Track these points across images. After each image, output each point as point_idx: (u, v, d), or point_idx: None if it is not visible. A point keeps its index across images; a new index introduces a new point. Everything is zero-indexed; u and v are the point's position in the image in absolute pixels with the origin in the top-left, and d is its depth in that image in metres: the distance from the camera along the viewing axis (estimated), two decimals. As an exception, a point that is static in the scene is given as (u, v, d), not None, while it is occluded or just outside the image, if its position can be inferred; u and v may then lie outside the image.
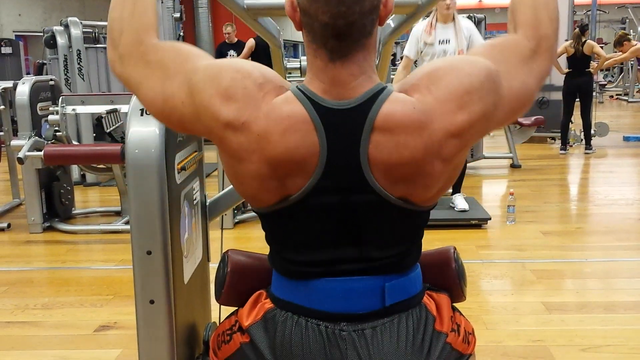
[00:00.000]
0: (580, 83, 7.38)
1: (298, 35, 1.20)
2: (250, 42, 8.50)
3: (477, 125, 1.09)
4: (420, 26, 4.66)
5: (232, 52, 8.64)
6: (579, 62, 7.38)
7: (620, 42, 8.05)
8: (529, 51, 1.16)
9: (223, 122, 1.08)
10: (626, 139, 8.59)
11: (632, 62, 11.87)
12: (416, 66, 4.65)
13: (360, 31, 1.08)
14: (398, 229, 1.17)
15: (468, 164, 6.00)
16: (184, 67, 1.13)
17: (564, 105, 7.64)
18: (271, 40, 1.84)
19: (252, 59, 7.90)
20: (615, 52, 8.50)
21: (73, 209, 5.20)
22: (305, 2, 1.07)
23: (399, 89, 1.11)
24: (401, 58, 4.95)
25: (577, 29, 7.40)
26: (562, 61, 7.64)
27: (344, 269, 1.16)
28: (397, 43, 12.09)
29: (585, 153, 7.61)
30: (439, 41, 4.51)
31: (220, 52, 8.96)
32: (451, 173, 1.14)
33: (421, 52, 4.63)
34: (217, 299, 1.44)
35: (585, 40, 7.38)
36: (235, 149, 1.09)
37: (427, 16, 4.61)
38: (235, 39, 8.99)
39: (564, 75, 7.56)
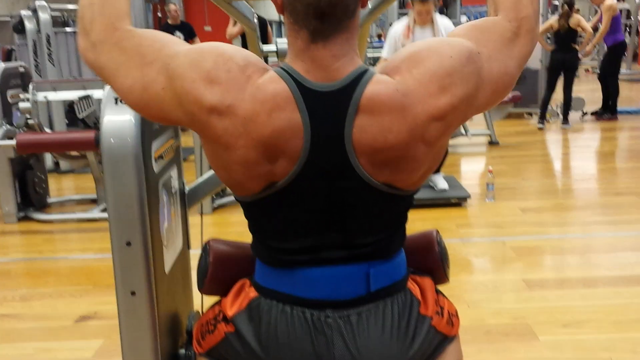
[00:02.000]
0: (565, 59, 7.40)
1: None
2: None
3: (460, 108, 1.08)
4: (398, 28, 4.61)
5: (178, 33, 7.78)
6: (564, 37, 7.38)
7: None
8: (510, 33, 1.15)
9: (207, 107, 1.05)
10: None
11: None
12: None
13: (343, 11, 1.06)
14: (382, 215, 1.16)
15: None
16: (163, 52, 1.10)
17: (548, 80, 7.65)
18: (246, 24, 1.81)
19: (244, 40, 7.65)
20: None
21: (48, 197, 5.12)
22: None
23: (381, 71, 1.10)
24: (379, 60, 4.88)
25: (565, 6, 7.37)
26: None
27: (328, 256, 1.15)
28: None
29: (563, 128, 7.66)
30: None
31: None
32: (435, 156, 1.13)
33: None
34: (200, 288, 1.42)
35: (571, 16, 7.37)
36: (220, 134, 1.06)
37: (405, 14, 4.56)
38: (180, 20, 8.51)
39: (549, 50, 7.59)
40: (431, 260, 1.40)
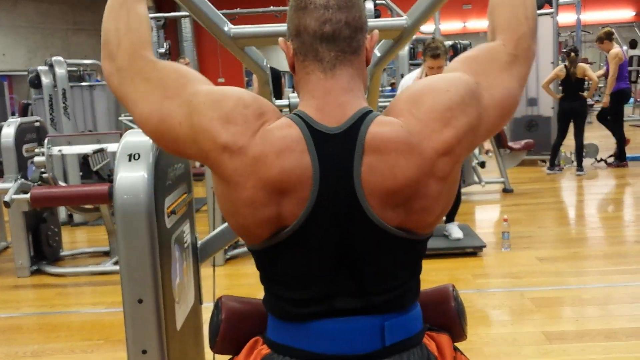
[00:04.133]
0: (573, 107, 7.42)
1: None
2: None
3: (465, 139, 1.11)
4: (409, 79, 4.66)
5: None
6: (573, 85, 7.42)
7: (601, 40, 8.05)
8: (507, 56, 1.20)
9: (221, 145, 1.08)
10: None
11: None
12: None
13: (346, 41, 1.13)
14: (396, 261, 1.14)
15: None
16: (186, 89, 1.15)
17: (559, 128, 7.65)
18: (256, 70, 1.82)
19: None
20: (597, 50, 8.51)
21: (61, 250, 5.12)
22: (296, 20, 1.14)
23: (383, 114, 1.14)
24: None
25: (572, 53, 7.41)
26: (554, 86, 7.72)
27: (342, 306, 1.13)
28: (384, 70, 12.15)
29: (577, 175, 7.62)
30: None
31: None
32: (448, 193, 1.13)
33: None
34: (212, 347, 1.39)
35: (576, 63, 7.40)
36: (230, 174, 1.08)
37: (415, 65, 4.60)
38: None
39: (557, 99, 7.62)
40: (448, 316, 1.37)
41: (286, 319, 1.17)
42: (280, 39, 1.19)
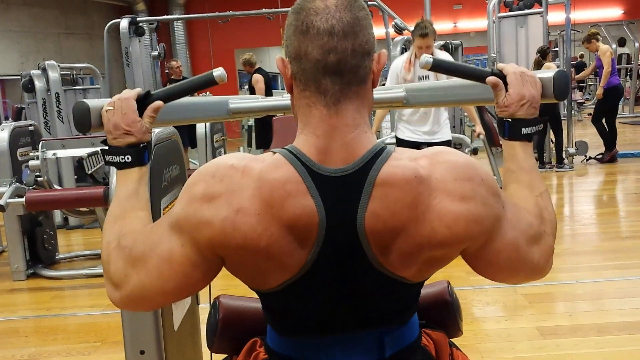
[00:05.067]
0: (546, 107, 7.42)
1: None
2: (256, 77, 8.00)
3: (471, 231, 1.03)
4: (399, 62, 4.67)
5: None
6: None
7: (588, 40, 8.12)
8: (535, 231, 1.14)
9: (218, 227, 1.00)
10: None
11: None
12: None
13: (352, 71, 1.03)
14: (397, 297, 1.12)
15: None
16: (161, 228, 1.08)
17: None
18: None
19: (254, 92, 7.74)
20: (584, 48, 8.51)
21: (57, 253, 5.12)
22: (296, 42, 1.04)
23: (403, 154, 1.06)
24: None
25: (538, 55, 7.40)
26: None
27: (341, 325, 1.12)
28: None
29: (556, 171, 7.70)
30: (418, 77, 4.53)
31: None
32: (446, 256, 1.08)
33: None
34: (210, 347, 1.39)
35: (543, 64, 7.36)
36: (241, 244, 1.01)
37: (407, 50, 4.62)
38: (182, 76, 8.65)
39: None
40: (444, 313, 1.38)
41: (285, 334, 1.16)
42: (278, 58, 1.09)
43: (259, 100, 1.58)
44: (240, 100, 1.57)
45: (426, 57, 1.30)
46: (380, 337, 1.12)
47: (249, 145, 8.35)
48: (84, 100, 1.36)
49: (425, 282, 1.40)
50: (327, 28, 1.01)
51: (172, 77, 8.58)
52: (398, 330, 1.15)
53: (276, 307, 1.13)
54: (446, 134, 4.63)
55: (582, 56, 15.30)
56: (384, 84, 4.90)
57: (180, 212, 1.05)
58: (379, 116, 4.72)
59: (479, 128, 5.15)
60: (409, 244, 1.02)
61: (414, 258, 1.04)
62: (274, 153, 1.05)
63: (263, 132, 7.52)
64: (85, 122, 1.33)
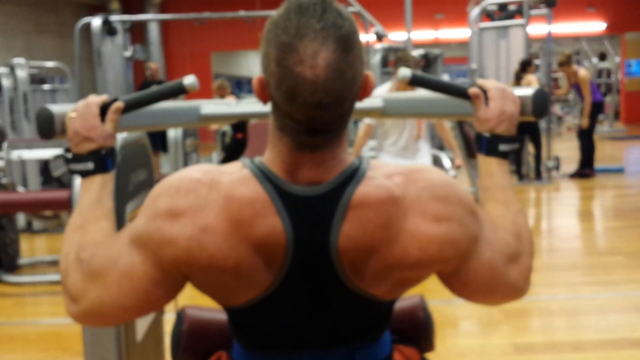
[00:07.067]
0: (525, 121, 7.44)
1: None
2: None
3: (446, 254, 1.01)
4: (379, 92, 4.62)
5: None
6: None
7: (566, 64, 7.95)
8: (513, 250, 1.13)
9: (184, 247, 0.97)
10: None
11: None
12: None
13: (336, 130, 0.99)
14: (369, 314, 1.09)
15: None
16: (122, 241, 1.04)
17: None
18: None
19: None
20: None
21: (19, 258, 4.96)
22: (279, 97, 0.95)
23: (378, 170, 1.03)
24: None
25: (518, 67, 7.34)
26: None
27: (311, 340, 1.08)
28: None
29: (534, 184, 7.75)
30: None
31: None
32: (419, 279, 1.06)
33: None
34: (174, 359, 1.33)
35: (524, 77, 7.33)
36: (207, 262, 0.97)
37: (387, 73, 4.55)
38: (158, 77, 8.72)
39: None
40: (417, 328, 1.35)
41: (252, 350, 1.11)
42: (255, 80, 0.99)
43: (232, 106, 1.53)
44: (213, 106, 1.51)
45: (404, 71, 1.28)
46: (351, 354, 1.09)
47: (223, 149, 8.24)
48: (48, 106, 1.30)
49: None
50: (314, 101, 0.92)
51: (147, 79, 8.53)
52: (369, 348, 1.12)
53: (243, 323, 1.09)
54: (427, 161, 4.56)
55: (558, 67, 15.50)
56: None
57: (142, 227, 1.01)
58: (359, 144, 4.62)
59: (458, 160, 5.08)
60: (381, 264, 1.00)
61: (386, 278, 1.02)
62: (243, 165, 1.02)
63: (235, 148, 7.15)
64: (49, 128, 1.29)
